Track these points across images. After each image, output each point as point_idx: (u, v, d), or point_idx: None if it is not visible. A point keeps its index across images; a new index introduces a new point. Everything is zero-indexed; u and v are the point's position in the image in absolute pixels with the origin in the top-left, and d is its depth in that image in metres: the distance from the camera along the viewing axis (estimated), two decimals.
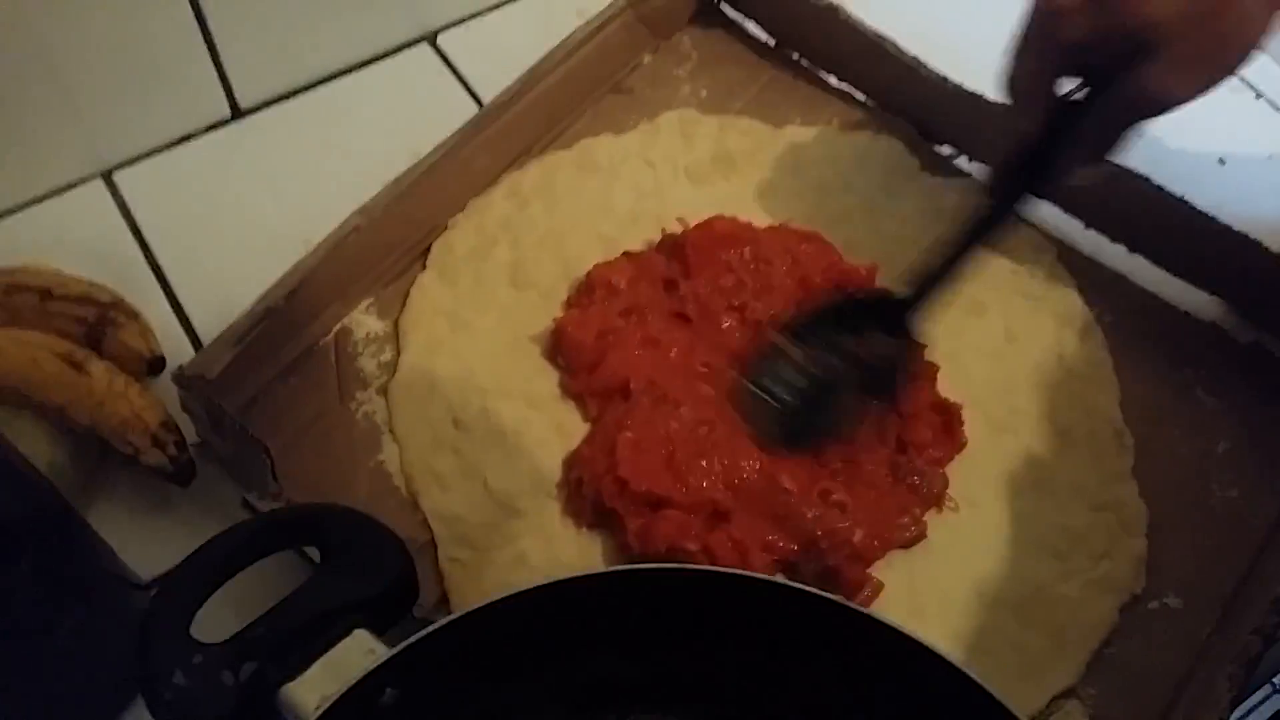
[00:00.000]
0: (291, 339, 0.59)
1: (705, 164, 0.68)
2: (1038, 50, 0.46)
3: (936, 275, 0.55)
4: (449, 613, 0.52)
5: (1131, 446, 0.58)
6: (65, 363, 0.55)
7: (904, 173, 0.68)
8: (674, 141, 0.69)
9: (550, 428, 0.58)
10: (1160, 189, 0.61)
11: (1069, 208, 0.66)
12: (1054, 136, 0.49)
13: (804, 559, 0.52)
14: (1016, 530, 0.56)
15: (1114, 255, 0.65)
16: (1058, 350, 0.61)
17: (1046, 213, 0.66)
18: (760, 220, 0.65)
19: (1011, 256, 0.64)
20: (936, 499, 0.56)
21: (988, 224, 0.54)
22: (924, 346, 0.58)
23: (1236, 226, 0.60)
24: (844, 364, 0.57)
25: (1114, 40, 0.43)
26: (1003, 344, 0.61)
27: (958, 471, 0.57)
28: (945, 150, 0.70)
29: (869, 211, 0.66)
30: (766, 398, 0.57)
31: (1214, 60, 0.44)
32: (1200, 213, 0.61)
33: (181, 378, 0.54)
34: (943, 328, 0.61)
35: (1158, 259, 0.64)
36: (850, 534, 0.52)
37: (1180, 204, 0.61)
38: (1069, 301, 0.63)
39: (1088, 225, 0.66)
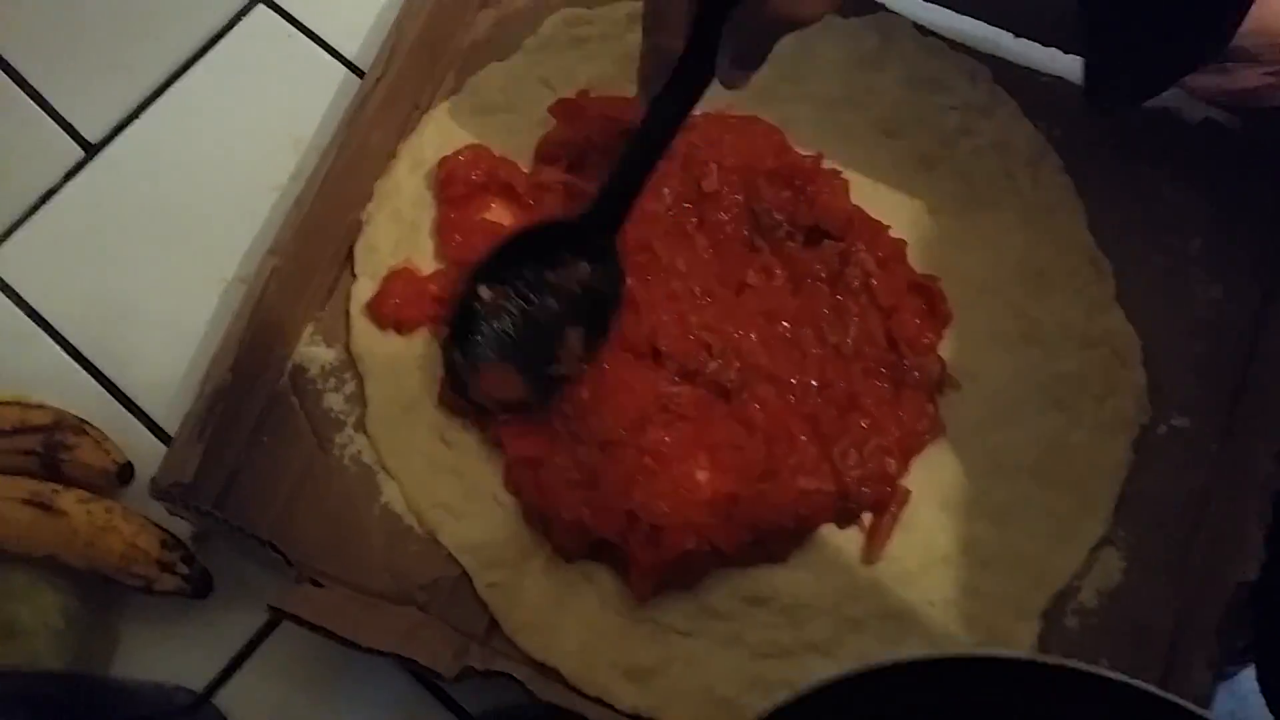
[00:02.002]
0: (248, 401, 0.57)
1: (609, 70, 0.63)
2: None
3: (613, 193, 0.54)
4: (503, 638, 0.53)
5: (1110, 272, 0.57)
6: (34, 507, 0.53)
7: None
8: (566, 52, 0.64)
9: None
10: None
11: (996, 20, 0.62)
12: (699, 53, 0.48)
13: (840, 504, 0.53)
14: (1017, 391, 0.56)
15: (1048, 61, 0.62)
16: (1017, 188, 0.59)
17: (972, 30, 0.62)
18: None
19: (948, 92, 0.61)
20: (939, 385, 0.56)
21: (651, 142, 0.52)
22: (623, 270, 0.55)
23: None
24: (552, 299, 0.55)
25: None
26: (962, 195, 0.59)
27: (946, 348, 0.57)
28: None
29: (794, 79, 0.62)
30: (484, 357, 0.55)
31: None
32: None
33: (159, 491, 0.52)
34: (895, 195, 0.59)
35: None
36: (885, 467, 0.53)
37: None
38: (1017, 130, 0.60)
39: (1017, 35, 0.62)
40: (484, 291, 0.55)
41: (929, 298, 0.57)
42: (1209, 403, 0.56)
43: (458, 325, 0.55)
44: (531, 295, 0.55)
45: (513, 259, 0.55)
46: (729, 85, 0.48)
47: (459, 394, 0.55)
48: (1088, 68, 0.52)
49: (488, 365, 0.55)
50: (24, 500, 0.53)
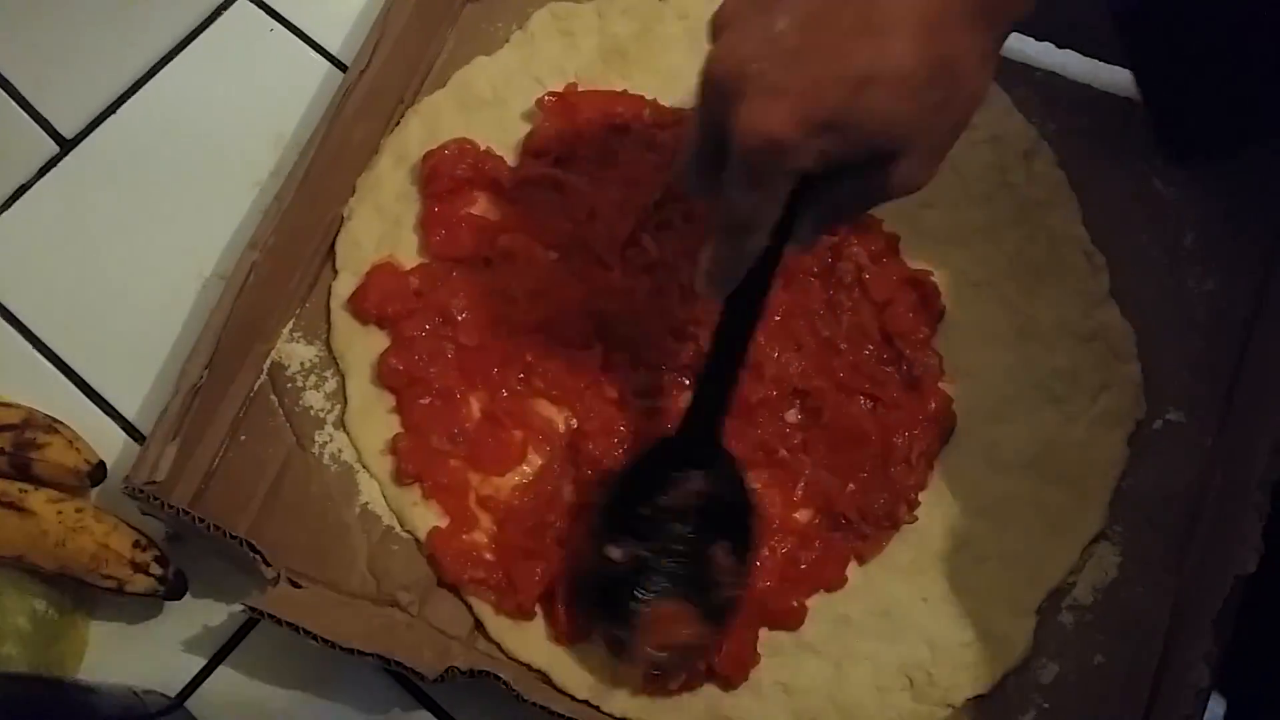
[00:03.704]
0: (226, 397, 0.55)
1: (596, 64, 0.62)
2: (762, 183, 0.39)
3: (707, 396, 0.49)
4: (487, 639, 0.52)
5: (1104, 265, 0.57)
6: (3, 507, 0.51)
7: None
8: (554, 45, 0.63)
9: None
10: None
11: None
12: (780, 238, 0.42)
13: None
14: (1013, 386, 0.55)
15: (1042, 56, 0.61)
16: (1011, 182, 0.58)
17: None
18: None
19: None
20: (936, 380, 0.55)
21: (735, 337, 0.47)
22: (739, 470, 0.51)
23: None
24: (678, 524, 0.50)
25: (851, 156, 0.38)
26: (955, 190, 0.58)
27: (940, 344, 0.56)
28: None
29: None
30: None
31: (950, 141, 0.40)
32: None
33: (133, 490, 0.51)
34: None
35: (1085, 49, 0.61)
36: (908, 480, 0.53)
37: None
38: (1010, 124, 0.60)
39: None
40: (613, 552, 0.49)
41: (922, 291, 0.56)
42: (1204, 397, 0.55)
43: (600, 599, 0.50)
44: (659, 530, 0.50)
45: (620, 506, 0.50)
46: (805, 250, 0.45)
47: (626, 661, 0.50)
48: (1153, 120, 0.50)
49: (655, 616, 0.48)
50: None
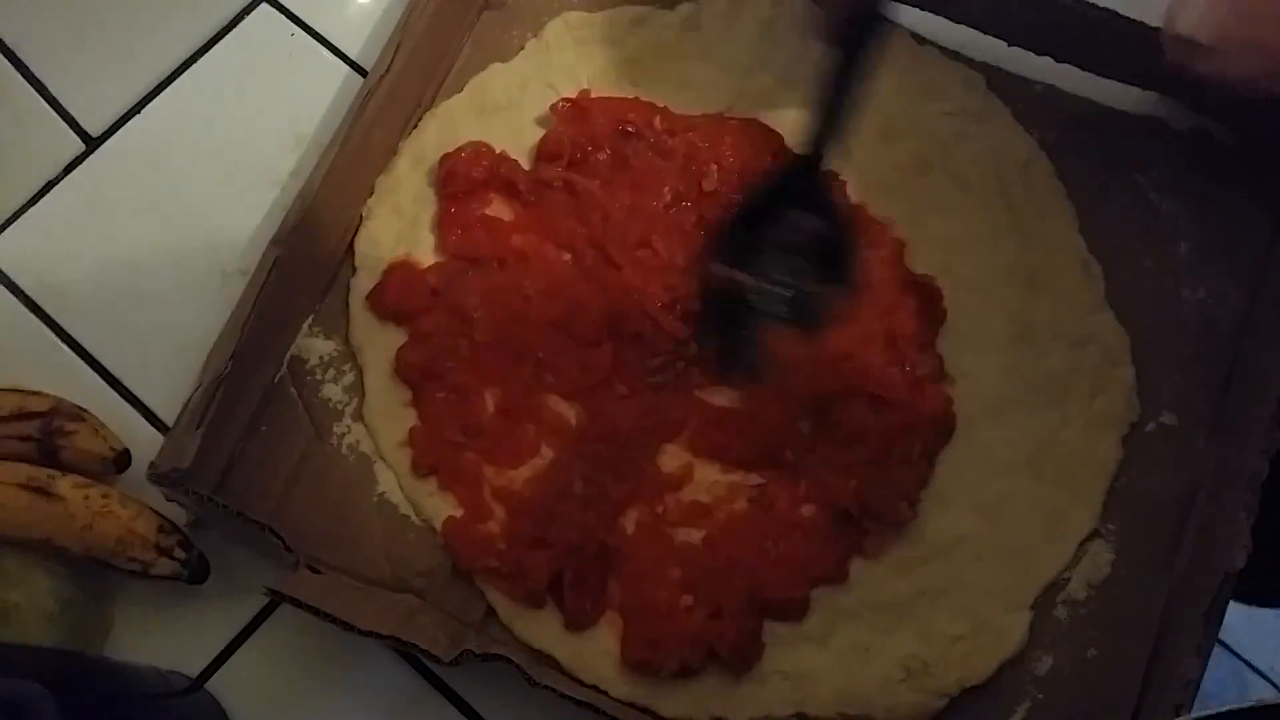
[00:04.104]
0: (247, 390, 0.57)
1: (609, 72, 0.64)
2: None
3: (826, 123, 0.51)
4: (499, 625, 0.53)
5: (1100, 274, 0.59)
6: (31, 492, 0.53)
7: (813, 30, 0.64)
8: (568, 53, 0.65)
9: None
10: None
11: (991, 29, 0.63)
12: None
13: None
14: (1010, 389, 0.57)
15: (1042, 69, 0.63)
16: (1010, 192, 0.60)
17: (968, 38, 0.64)
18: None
19: (944, 98, 0.62)
20: (938, 381, 0.56)
21: (849, 69, 0.50)
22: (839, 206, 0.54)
23: (1125, 8, 0.58)
24: (800, 257, 0.53)
25: None
26: (957, 198, 0.60)
27: (941, 346, 0.58)
28: None
29: (792, 86, 0.63)
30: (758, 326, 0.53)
31: None
32: (1115, 13, 0.59)
33: (158, 475, 0.52)
34: (890, 196, 0.60)
35: (1084, 63, 0.62)
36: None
37: (1094, 7, 0.59)
38: (1010, 135, 0.61)
39: (1010, 43, 0.63)
40: (714, 267, 0.52)
41: (928, 296, 0.57)
42: (1196, 400, 0.57)
43: (707, 316, 0.54)
44: (761, 259, 0.52)
45: (730, 235, 0.53)
46: None
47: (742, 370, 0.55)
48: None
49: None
50: (20, 485, 0.53)
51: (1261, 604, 0.67)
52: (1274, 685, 1.19)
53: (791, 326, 0.52)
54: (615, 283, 0.58)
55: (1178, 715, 0.47)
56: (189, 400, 0.54)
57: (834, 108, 0.50)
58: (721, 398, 0.57)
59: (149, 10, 0.64)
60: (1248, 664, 1.20)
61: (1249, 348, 0.57)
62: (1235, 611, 0.48)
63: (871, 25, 0.49)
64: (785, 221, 0.53)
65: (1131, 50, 0.59)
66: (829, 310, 0.53)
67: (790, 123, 0.62)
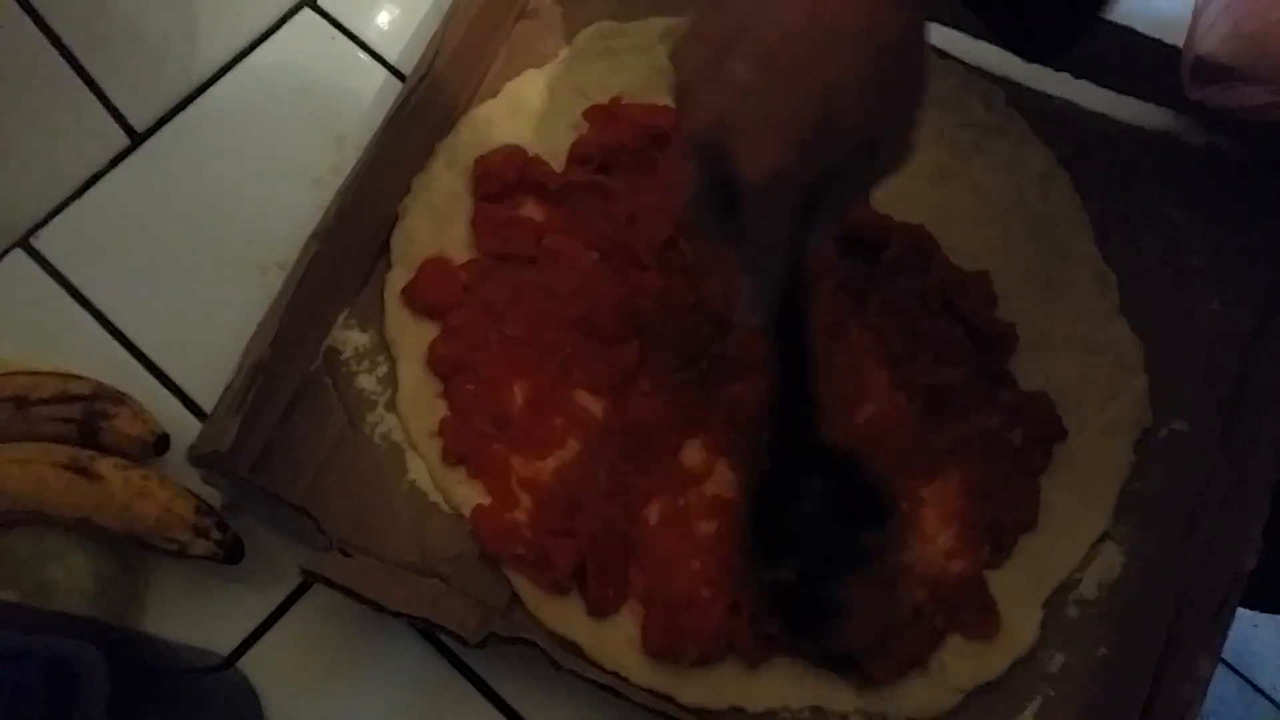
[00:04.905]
0: (284, 379, 0.58)
1: (638, 80, 0.66)
2: (776, 209, 0.42)
3: (787, 416, 0.52)
4: (524, 611, 0.55)
5: (1115, 284, 0.60)
6: (73, 472, 0.54)
7: None
8: (600, 62, 0.67)
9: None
10: None
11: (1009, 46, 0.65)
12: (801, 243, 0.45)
13: None
14: None
15: (1060, 85, 0.65)
16: (1028, 203, 0.62)
17: (988, 54, 0.66)
18: None
19: (964, 111, 0.64)
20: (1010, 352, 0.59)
21: (793, 352, 0.50)
22: (842, 450, 0.53)
23: (1144, 26, 0.60)
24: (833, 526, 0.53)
25: (841, 157, 0.41)
26: (976, 209, 0.62)
27: None
28: None
29: None
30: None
31: (917, 113, 0.43)
32: (1134, 30, 0.61)
33: (197, 458, 0.54)
34: (912, 205, 0.62)
35: (1102, 80, 0.64)
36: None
37: (1113, 25, 0.61)
38: (1028, 148, 0.63)
39: (1029, 60, 0.65)
40: (781, 574, 0.52)
41: (981, 285, 0.59)
42: (1208, 408, 0.58)
43: (789, 623, 0.53)
44: (807, 538, 0.53)
45: (762, 532, 0.53)
46: (817, 255, 0.47)
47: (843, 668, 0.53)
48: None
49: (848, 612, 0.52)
50: (62, 465, 0.54)
51: (1273, 611, 0.68)
52: (1275, 704, 1.20)
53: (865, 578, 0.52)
54: (642, 282, 0.60)
55: (1188, 712, 0.48)
56: (229, 386, 0.55)
57: (796, 387, 0.51)
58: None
59: (196, 11, 0.66)
60: (1249, 683, 1.21)
61: (1260, 357, 0.58)
62: (1237, 630, 0.49)
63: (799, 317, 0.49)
64: (803, 493, 0.53)
65: (1148, 67, 0.61)
66: (890, 539, 0.53)
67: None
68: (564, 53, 0.67)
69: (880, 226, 0.60)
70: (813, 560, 0.52)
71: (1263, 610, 0.65)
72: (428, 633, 0.55)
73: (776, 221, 0.42)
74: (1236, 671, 1.21)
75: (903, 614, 0.53)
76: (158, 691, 0.44)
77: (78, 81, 0.62)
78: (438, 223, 0.63)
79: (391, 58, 0.69)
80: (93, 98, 0.63)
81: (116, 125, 0.66)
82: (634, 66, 0.66)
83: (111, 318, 0.62)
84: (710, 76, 0.40)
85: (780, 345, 0.50)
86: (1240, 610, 0.50)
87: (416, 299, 0.60)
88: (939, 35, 0.66)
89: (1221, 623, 0.48)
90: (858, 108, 0.39)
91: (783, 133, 0.39)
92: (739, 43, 0.39)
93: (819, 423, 0.52)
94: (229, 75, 0.68)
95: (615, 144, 0.63)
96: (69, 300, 0.63)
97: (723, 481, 0.57)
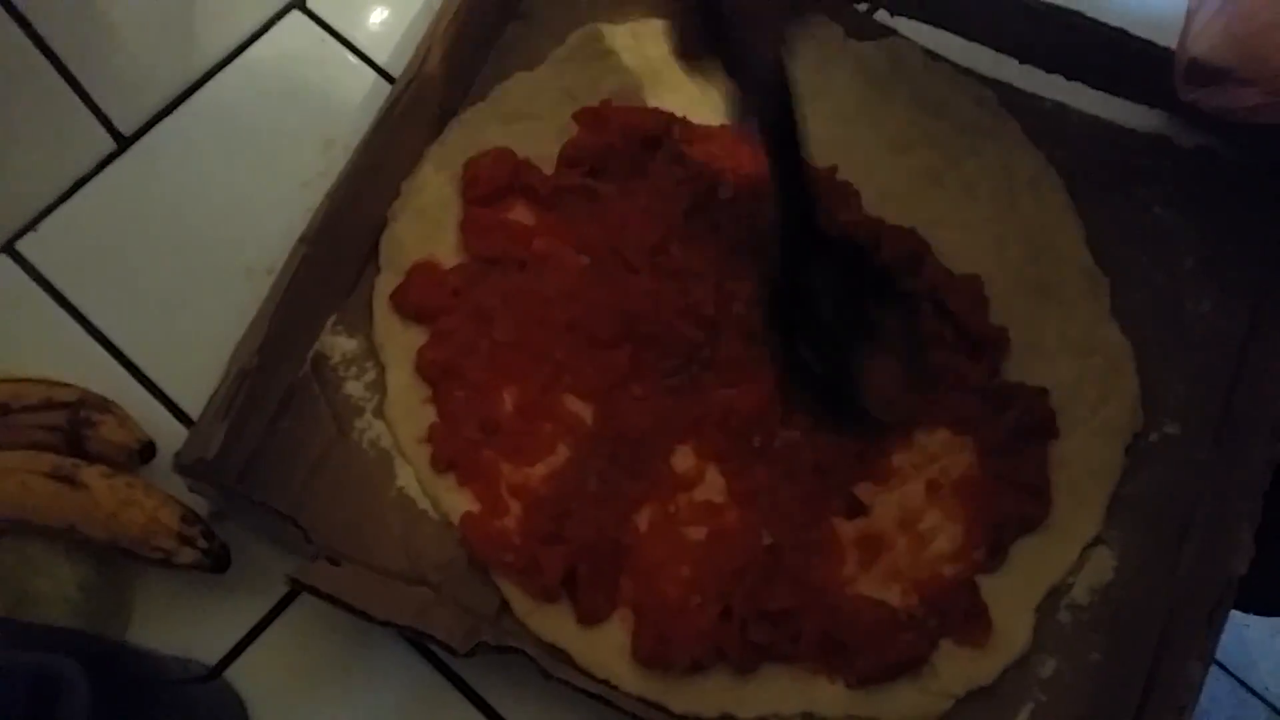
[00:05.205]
0: (272, 385, 0.58)
1: (630, 83, 0.65)
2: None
3: (787, 216, 0.55)
4: (514, 620, 0.54)
5: (1106, 286, 0.60)
6: (57, 480, 0.54)
7: (832, 44, 0.66)
8: (590, 65, 0.66)
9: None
10: (1082, 15, 0.61)
11: (1002, 47, 0.65)
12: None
13: None
14: None
15: (1052, 86, 0.65)
16: (1019, 205, 0.62)
17: (981, 55, 0.65)
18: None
19: (955, 113, 0.64)
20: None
21: (787, 150, 0.54)
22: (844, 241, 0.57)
23: (1135, 28, 0.60)
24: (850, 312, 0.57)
25: None
26: (967, 211, 0.62)
27: None
28: (863, 6, 0.68)
29: (808, 99, 0.64)
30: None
31: None
32: (1126, 32, 0.60)
33: (183, 466, 0.53)
34: (903, 208, 0.62)
35: (1094, 81, 0.64)
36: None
37: (1105, 27, 0.61)
38: (1019, 150, 0.63)
39: (1022, 60, 0.65)
40: (805, 353, 0.56)
41: (972, 288, 0.59)
42: (1200, 411, 0.58)
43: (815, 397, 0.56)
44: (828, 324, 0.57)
45: (785, 322, 0.56)
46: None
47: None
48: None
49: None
50: (47, 473, 0.54)
51: (1268, 613, 0.68)
52: (1268, 704, 1.20)
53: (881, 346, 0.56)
54: (633, 287, 0.59)
55: (1180, 718, 0.48)
56: (215, 393, 0.55)
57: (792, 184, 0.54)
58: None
59: (183, 13, 0.66)
60: (1242, 683, 1.21)
61: (1252, 360, 0.58)
62: (1229, 631, 0.49)
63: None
64: (815, 283, 0.56)
65: (1140, 69, 0.61)
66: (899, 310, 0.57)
67: (805, 134, 0.64)
68: (554, 55, 0.67)
69: (871, 230, 0.60)
70: (833, 342, 0.56)
71: (1255, 613, 0.65)
72: (417, 641, 0.55)
73: (763, 23, 0.46)
74: (1229, 672, 1.21)
75: (929, 379, 0.56)
76: (142, 703, 0.44)
77: (63, 85, 0.61)
78: (427, 227, 0.62)
79: (381, 60, 0.69)
80: (78, 101, 0.63)
81: (103, 129, 0.65)
82: (625, 69, 0.66)
83: (97, 324, 0.62)
84: None
85: (776, 151, 0.53)
86: (1232, 611, 0.50)
87: (405, 304, 0.60)
88: (930, 37, 0.66)
89: (1213, 628, 0.48)
90: None
91: None
92: None
93: (818, 218, 0.56)
94: (217, 78, 0.68)
95: (606, 147, 0.63)
96: (54, 306, 0.62)
97: (714, 487, 0.57)
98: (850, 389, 0.55)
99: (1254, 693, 1.21)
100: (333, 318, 0.61)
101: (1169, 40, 0.59)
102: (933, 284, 0.59)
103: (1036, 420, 0.57)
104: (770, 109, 0.51)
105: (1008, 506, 0.55)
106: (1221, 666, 1.21)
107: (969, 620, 0.53)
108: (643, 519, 0.56)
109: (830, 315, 0.56)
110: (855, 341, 0.56)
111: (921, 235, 0.60)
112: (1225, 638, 0.50)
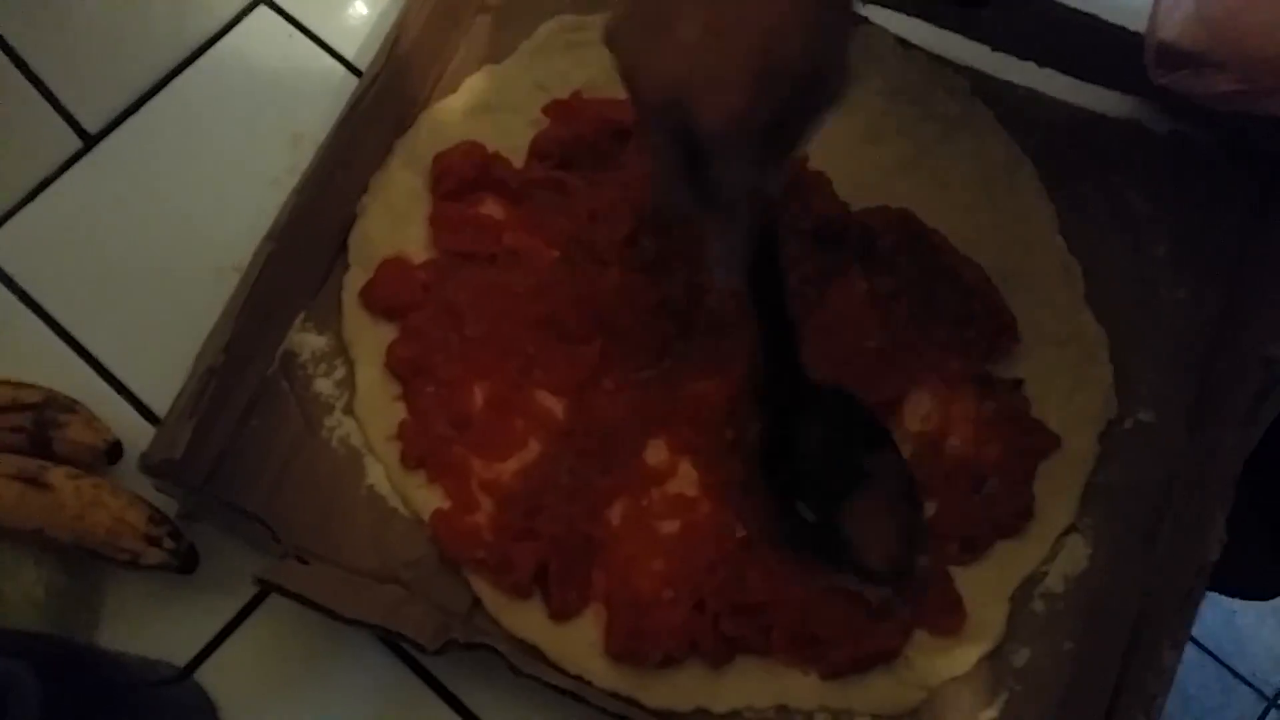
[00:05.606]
0: (240, 383, 0.57)
1: (600, 74, 0.65)
2: (742, 155, 0.44)
3: (774, 361, 0.54)
4: (485, 616, 0.54)
5: (1079, 274, 0.60)
6: (22, 482, 0.53)
7: None
8: (560, 57, 0.66)
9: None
10: (1053, 1, 0.61)
11: (975, 35, 0.64)
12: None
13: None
14: None
15: (1024, 74, 0.65)
16: (992, 193, 0.61)
17: (953, 43, 0.65)
18: None
19: (928, 102, 0.63)
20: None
21: (773, 297, 0.52)
22: (834, 390, 0.55)
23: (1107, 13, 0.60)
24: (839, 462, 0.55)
25: (794, 93, 0.43)
26: (940, 200, 0.61)
27: None
28: None
29: None
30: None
31: (844, 43, 0.46)
32: (1097, 18, 0.60)
33: (149, 466, 0.53)
34: (876, 198, 0.61)
35: (1066, 68, 0.64)
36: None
37: (1076, 13, 0.60)
38: (993, 139, 0.63)
39: (994, 48, 0.64)
40: (805, 513, 0.54)
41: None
42: (1174, 398, 0.58)
43: (815, 554, 0.54)
44: (818, 477, 0.55)
45: (771, 479, 0.55)
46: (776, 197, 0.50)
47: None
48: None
49: (863, 522, 0.54)
50: (12, 475, 0.53)
51: (1247, 597, 0.68)
52: (1255, 690, 1.20)
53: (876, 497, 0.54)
54: (604, 280, 0.59)
55: (1154, 705, 0.48)
56: (181, 391, 0.54)
57: (777, 333, 0.53)
58: None
59: (148, 10, 0.65)
60: (1230, 669, 1.21)
61: (1225, 347, 0.58)
62: (1217, 618, 0.49)
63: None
64: (804, 436, 0.55)
65: (1113, 56, 0.60)
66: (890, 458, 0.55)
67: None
68: (524, 47, 0.66)
69: (865, 218, 0.60)
70: (825, 494, 0.54)
71: (1229, 595, 0.65)
72: (388, 640, 0.54)
73: (742, 165, 0.45)
74: (1217, 659, 1.21)
75: (921, 528, 0.55)
76: (103, 706, 0.44)
77: (25, 83, 0.61)
78: (396, 222, 0.62)
79: (349, 55, 0.68)
80: (42, 100, 0.62)
81: (68, 127, 0.65)
82: (595, 60, 0.65)
83: (64, 323, 0.61)
84: (657, 48, 0.43)
85: (759, 298, 0.52)
86: (1220, 598, 0.50)
87: (375, 300, 0.59)
88: (902, 25, 0.66)
89: (1186, 614, 0.48)
90: (799, 46, 0.42)
91: (737, 79, 0.42)
92: (680, 11, 0.42)
93: (805, 365, 0.54)
94: (183, 75, 0.67)
95: (576, 139, 0.62)
96: (19, 306, 0.62)
97: (686, 481, 0.56)
98: (843, 541, 0.54)
99: (1242, 679, 1.21)
100: (301, 315, 0.61)
101: (1141, 26, 0.59)
102: (941, 262, 0.59)
103: (1032, 442, 0.57)
104: (751, 252, 0.49)
105: (989, 523, 0.55)
106: (1209, 654, 1.21)
107: (943, 610, 0.53)
108: (615, 513, 0.56)
109: (821, 466, 0.55)
110: (848, 491, 0.54)
111: (917, 215, 0.60)
112: (1213, 625, 0.50)
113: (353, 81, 0.67)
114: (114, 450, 0.56)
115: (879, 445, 0.55)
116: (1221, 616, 1.20)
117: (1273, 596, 0.74)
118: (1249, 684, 1.22)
